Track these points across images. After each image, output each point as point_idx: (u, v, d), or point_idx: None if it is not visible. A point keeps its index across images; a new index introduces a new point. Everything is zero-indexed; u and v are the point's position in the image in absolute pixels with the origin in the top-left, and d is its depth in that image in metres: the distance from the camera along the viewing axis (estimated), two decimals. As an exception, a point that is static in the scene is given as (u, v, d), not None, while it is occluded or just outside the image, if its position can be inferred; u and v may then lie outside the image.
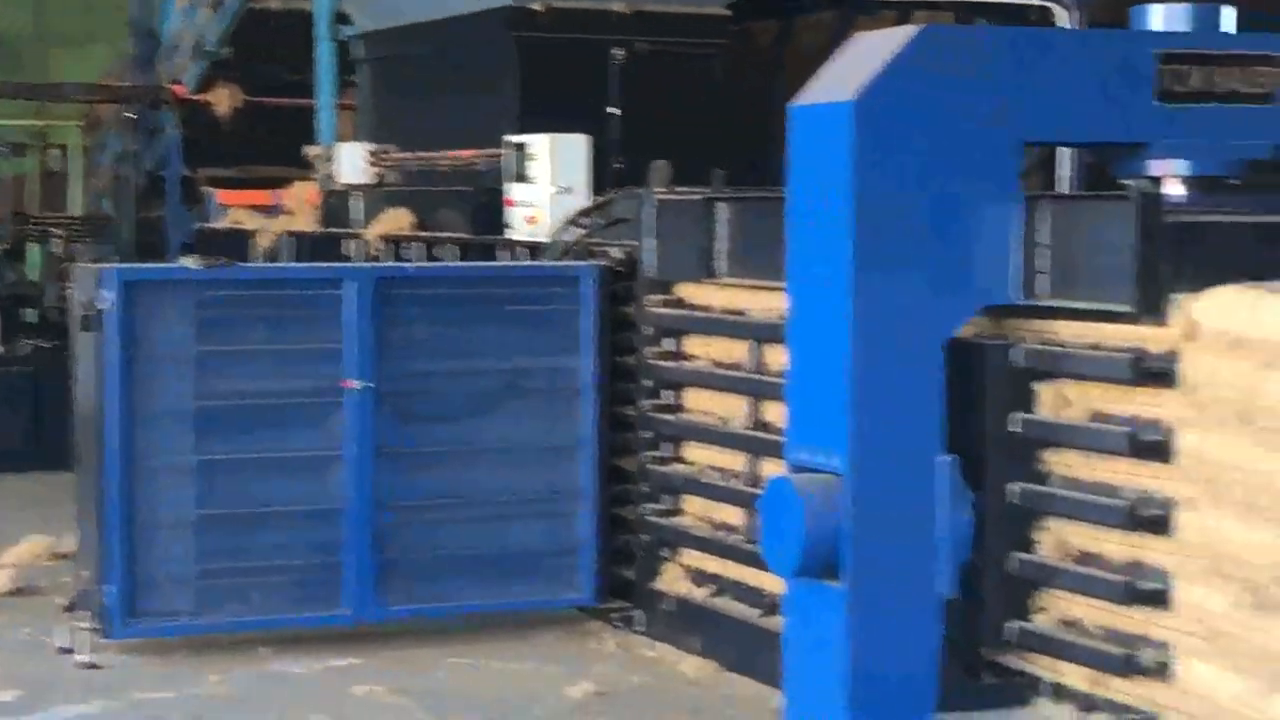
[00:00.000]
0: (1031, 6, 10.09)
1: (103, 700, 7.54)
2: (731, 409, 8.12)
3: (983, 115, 6.42)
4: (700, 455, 8.39)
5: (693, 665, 8.07)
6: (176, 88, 14.07)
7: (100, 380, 8.00)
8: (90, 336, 8.10)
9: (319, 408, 8.33)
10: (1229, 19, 7.07)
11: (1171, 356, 6.12)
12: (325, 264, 10.07)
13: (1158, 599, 6.20)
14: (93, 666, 7.93)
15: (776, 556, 6.51)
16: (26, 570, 9.36)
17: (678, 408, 8.55)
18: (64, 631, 8.18)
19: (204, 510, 8.18)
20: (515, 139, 9.49)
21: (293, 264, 10.71)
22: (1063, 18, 9.99)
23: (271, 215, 12.33)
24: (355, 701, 7.54)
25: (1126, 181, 6.79)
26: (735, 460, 8.04)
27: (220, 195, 13.40)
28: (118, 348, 7.95)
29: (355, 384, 8.25)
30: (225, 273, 8.49)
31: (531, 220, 9.28)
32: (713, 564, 8.16)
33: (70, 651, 8.05)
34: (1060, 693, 6.60)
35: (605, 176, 9.41)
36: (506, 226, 9.53)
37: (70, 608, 8.25)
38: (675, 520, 8.45)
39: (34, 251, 14.41)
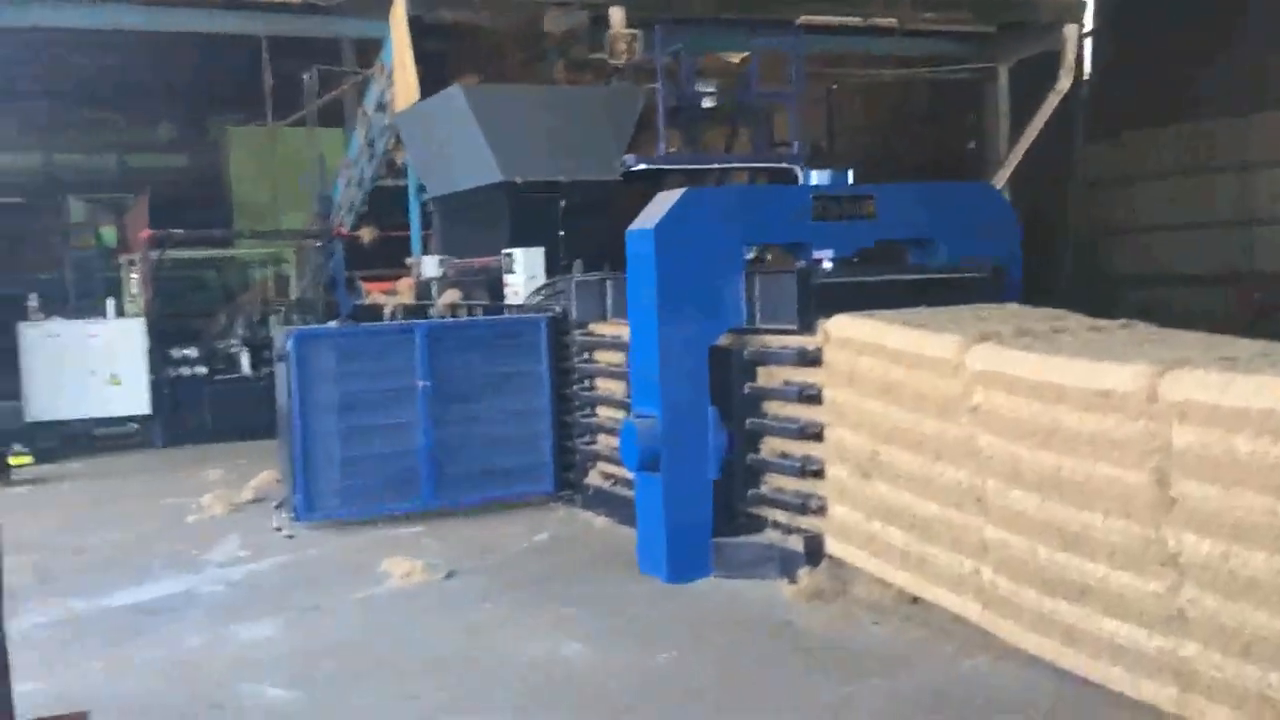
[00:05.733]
0: (767, 168, 10.54)
1: (296, 553, 8.16)
2: (617, 388, 8.64)
3: (722, 231, 7.14)
4: (605, 412, 8.89)
5: (602, 522, 8.62)
6: (340, 229, 14.82)
7: (288, 388, 8.58)
8: (282, 365, 8.69)
9: (403, 396, 8.77)
10: (850, 176, 7.64)
11: (819, 351, 6.84)
12: (402, 322, 10.68)
13: (818, 474, 6.91)
14: (290, 536, 8.55)
15: (628, 460, 7.25)
16: (262, 488, 9.87)
17: (592, 388, 9.03)
18: (276, 518, 8.78)
19: (344, 453, 8.66)
20: (507, 250, 10.13)
21: (384, 323, 11.33)
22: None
23: (391, 295, 12.95)
24: (422, 546, 8.12)
25: (799, 262, 7.30)
26: (622, 414, 8.46)
27: (366, 285, 14.08)
28: (295, 371, 8.50)
29: (421, 383, 8.78)
30: (350, 329, 9.14)
31: (515, 293, 9.92)
32: (612, 469, 8.68)
33: (279, 529, 8.67)
34: (776, 525, 7.23)
35: (555, 268, 10.00)
36: (504, 296, 10.14)
37: (279, 506, 8.86)
38: (593, 447, 8.96)
39: (272, 320, 15.19)
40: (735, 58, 17.18)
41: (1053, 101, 14.65)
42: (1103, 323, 6.20)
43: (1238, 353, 5.15)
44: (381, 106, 13.24)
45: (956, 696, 5.24)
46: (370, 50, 15.49)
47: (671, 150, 10.80)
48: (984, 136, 17.36)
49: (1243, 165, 19.09)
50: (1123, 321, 6.16)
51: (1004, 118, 15.91)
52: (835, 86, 20.82)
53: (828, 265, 7.36)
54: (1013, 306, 6.93)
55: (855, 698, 5.27)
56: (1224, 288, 19.20)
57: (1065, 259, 20.58)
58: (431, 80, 11.75)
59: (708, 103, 12.54)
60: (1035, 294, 11.73)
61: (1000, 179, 14.85)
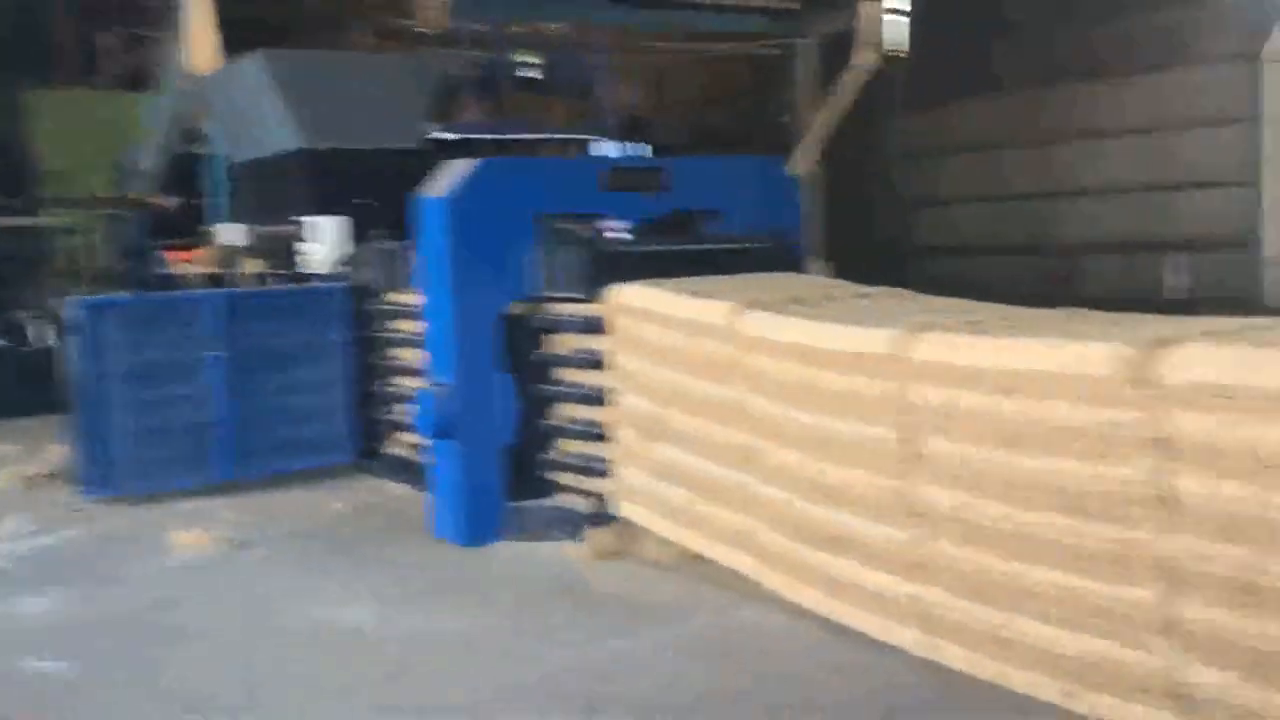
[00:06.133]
0: (573, 140, 10.63)
1: (85, 527, 8.00)
2: (416, 357, 8.57)
3: (513, 201, 7.25)
4: (405, 381, 8.84)
5: (401, 490, 8.65)
6: (145, 198, 14.44)
7: (78, 359, 8.39)
8: (72, 336, 8.48)
9: (198, 367, 8.65)
10: (646, 149, 7.79)
11: (606, 319, 6.98)
12: (196, 291, 10.39)
13: (607, 438, 7.10)
14: (78, 510, 8.35)
15: (424, 428, 7.29)
16: (56, 463, 9.42)
17: (392, 357, 8.99)
18: (66, 493, 8.61)
19: (136, 426, 8.48)
20: (308, 219, 10.05)
21: (178, 292, 10.99)
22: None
23: (194, 264, 12.64)
24: (217, 518, 8.04)
25: (589, 232, 7.41)
26: (421, 383, 8.60)
27: (169, 255, 13.71)
28: (84, 341, 8.36)
29: (217, 353, 8.67)
30: (142, 298, 8.95)
31: (316, 262, 9.83)
32: (413, 437, 8.65)
33: (69, 504, 8.46)
34: (567, 488, 7.45)
35: (358, 237, 9.91)
36: (306, 265, 10.08)
37: (69, 481, 8.65)
38: (393, 416, 8.94)
39: (75, 290, 14.62)
40: (570, 28, 17.26)
41: (853, 77, 15.04)
42: (871, 290, 6.54)
43: (985, 317, 5.53)
44: (183, 71, 12.93)
45: (728, 644, 5.53)
46: (176, 13, 15.11)
47: (480, 120, 10.86)
48: (797, 111, 17.81)
49: (1043, 138, 19.98)
50: (887, 289, 6.50)
51: (812, 93, 16.32)
52: (656, 62, 21.01)
53: (620, 235, 7.51)
54: (790, 275, 7.23)
55: (634, 649, 5.50)
56: (1026, 257, 20.10)
57: (876, 231, 21.24)
58: (237, 45, 11.54)
59: (530, 74, 12.61)
60: (847, 265, 12.10)
61: (807, 153, 15.21)
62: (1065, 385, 4.39)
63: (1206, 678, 4.06)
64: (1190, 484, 3.98)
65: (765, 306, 6.01)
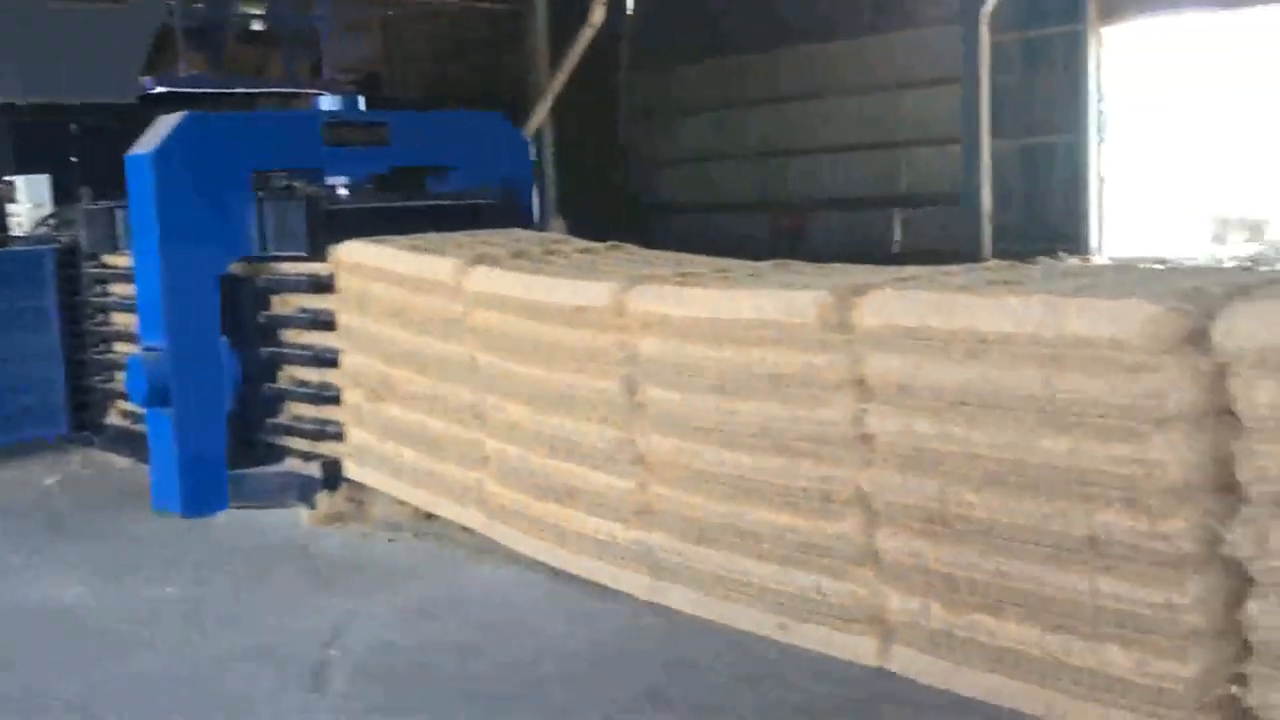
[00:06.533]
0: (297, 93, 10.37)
1: None
2: (132, 322, 8.24)
3: (229, 156, 6.99)
4: (121, 348, 8.42)
5: (124, 462, 8.31)
6: None
7: None
8: None
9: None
10: (363, 102, 7.69)
11: (331, 277, 6.88)
12: None
13: (335, 400, 7.00)
14: None
15: (135, 396, 7.04)
16: None
17: (106, 323, 8.60)
18: None
19: None
20: (9, 178, 9.51)
21: None
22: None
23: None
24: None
25: (310, 188, 7.24)
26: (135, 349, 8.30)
27: None
28: None
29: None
30: None
31: (19, 224, 9.34)
32: (132, 407, 8.36)
33: None
34: (295, 453, 7.30)
35: (68, 197, 9.43)
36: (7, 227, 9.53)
37: None
38: (110, 385, 8.50)
39: None
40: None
41: (587, 35, 15.22)
42: (594, 245, 6.66)
43: (700, 270, 5.72)
44: None
45: (459, 600, 5.56)
46: None
47: (198, 73, 10.48)
48: (532, 67, 17.87)
49: (772, 98, 20.69)
50: (611, 244, 6.64)
51: (544, 49, 16.41)
52: (391, 14, 20.72)
53: (343, 191, 7.42)
54: (516, 231, 7.26)
55: (359, 611, 5.46)
56: (760, 214, 20.82)
57: (615, 188, 21.54)
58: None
59: (252, 25, 12.19)
60: (588, 222, 12.22)
61: (542, 109, 15.31)
62: (772, 332, 4.62)
63: (904, 604, 4.37)
64: (883, 422, 4.27)
65: (490, 262, 6.06)
